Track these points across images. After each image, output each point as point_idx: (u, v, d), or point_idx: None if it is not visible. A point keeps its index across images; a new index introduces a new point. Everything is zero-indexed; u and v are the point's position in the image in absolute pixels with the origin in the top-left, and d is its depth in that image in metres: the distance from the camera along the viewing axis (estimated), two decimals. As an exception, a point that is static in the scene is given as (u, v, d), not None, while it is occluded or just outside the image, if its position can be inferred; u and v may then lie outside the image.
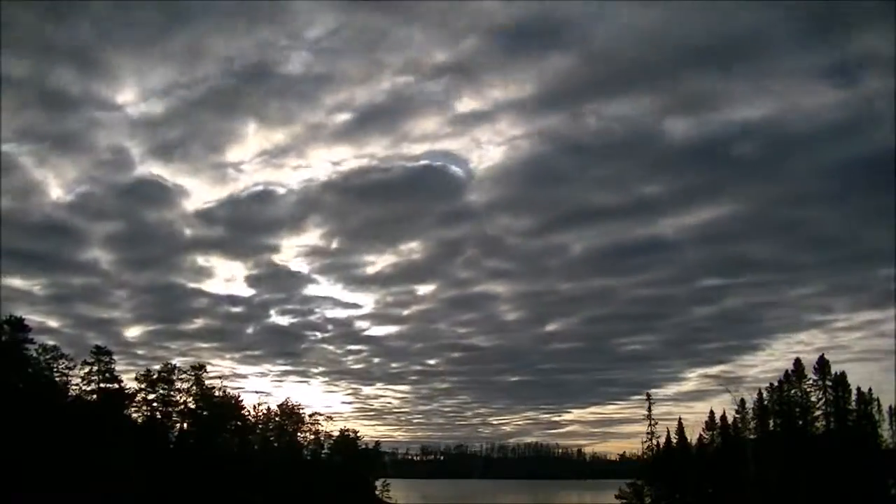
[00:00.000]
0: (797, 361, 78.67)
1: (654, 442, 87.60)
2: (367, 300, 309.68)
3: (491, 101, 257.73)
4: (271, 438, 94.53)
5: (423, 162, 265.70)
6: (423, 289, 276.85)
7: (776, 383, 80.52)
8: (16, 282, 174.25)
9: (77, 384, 67.17)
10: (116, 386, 69.38)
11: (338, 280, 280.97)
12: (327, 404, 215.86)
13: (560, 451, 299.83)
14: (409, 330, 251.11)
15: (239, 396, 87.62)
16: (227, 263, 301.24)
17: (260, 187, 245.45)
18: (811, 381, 76.62)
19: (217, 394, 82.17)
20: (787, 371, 79.55)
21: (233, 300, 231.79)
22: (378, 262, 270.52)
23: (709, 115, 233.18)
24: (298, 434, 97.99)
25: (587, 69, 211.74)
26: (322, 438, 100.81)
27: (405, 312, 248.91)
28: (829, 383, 75.91)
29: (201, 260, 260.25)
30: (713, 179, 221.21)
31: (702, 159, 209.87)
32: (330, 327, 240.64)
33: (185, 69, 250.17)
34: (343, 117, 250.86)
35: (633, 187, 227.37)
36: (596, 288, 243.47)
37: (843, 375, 76.60)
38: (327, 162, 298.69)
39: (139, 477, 60.48)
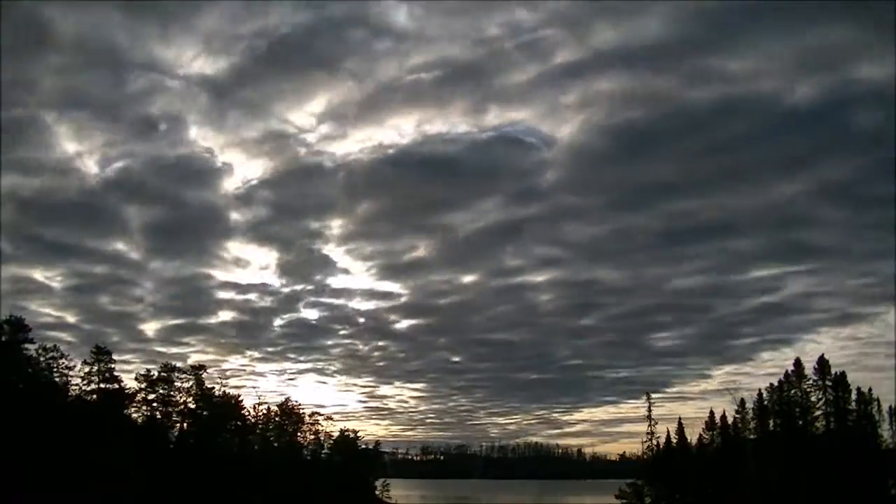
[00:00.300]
0: (797, 361, 78.82)
1: (654, 442, 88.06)
2: (403, 290, 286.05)
3: (592, 56, 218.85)
4: (271, 438, 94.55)
5: (499, 131, 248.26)
6: (466, 278, 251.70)
7: (776, 383, 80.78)
8: (35, 274, 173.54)
9: (77, 384, 67.28)
10: (116, 386, 69.43)
11: (376, 268, 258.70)
12: (342, 403, 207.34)
13: (560, 451, 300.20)
14: (438, 322, 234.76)
15: (239, 396, 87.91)
16: (260, 251, 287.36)
17: (313, 159, 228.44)
18: (811, 382, 76.61)
19: (217, 393, 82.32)
20: (787, 371, 79.78)
21: (262, 290, 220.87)
22: (422, 247, 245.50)
23: (834, 74, 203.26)
24: (298, 434, 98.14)
25: (708, 18, 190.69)
26: (322, 438, 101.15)
27: (441, 302, 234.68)
28: (829, 383, 75.90)
29: (235, 247, 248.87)
30: (814, 149, 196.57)
31: (812, 126, 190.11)
32: (361, 320, 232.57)
33: (249, 18, 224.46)
34: (424, 77, 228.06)
35: (723, 159, 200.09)
36: (644, 277, 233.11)
37: (843, 375, 76.54)
38: (393, 132, 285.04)
39: (139, 477, 60.48)
